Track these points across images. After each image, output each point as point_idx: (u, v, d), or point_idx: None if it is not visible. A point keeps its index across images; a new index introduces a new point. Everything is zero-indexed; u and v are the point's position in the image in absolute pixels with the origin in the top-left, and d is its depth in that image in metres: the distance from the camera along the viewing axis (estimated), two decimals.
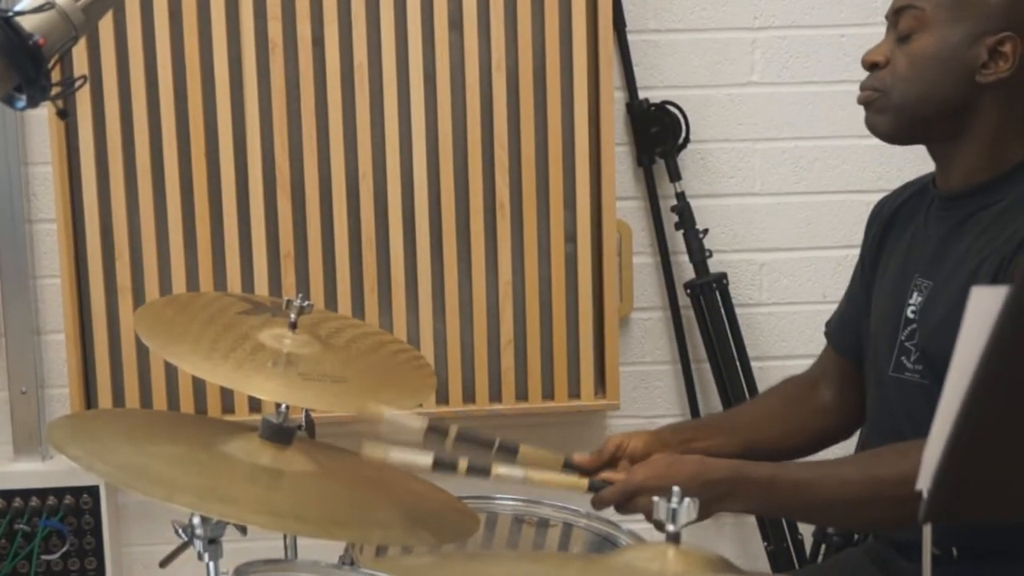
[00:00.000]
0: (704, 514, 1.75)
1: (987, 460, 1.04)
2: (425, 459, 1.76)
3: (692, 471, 1.78)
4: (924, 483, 1.06)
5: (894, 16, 1.83)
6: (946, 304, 1.76)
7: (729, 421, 2.27)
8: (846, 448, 2.99)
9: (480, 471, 1.80)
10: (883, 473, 1.72)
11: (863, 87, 1.85)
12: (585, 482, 1.83)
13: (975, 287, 1.02)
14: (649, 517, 1.75)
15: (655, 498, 1.15)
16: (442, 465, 1.77)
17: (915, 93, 1.79)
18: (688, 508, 1.13)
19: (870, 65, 1.85)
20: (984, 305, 0.96)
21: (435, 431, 1.87)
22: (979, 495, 1.08)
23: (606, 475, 1.83)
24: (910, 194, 1.98)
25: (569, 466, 1.96)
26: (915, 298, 1.84)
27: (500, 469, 1.80)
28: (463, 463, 1.78)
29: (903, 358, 1.84)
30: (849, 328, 2.07)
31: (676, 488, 1.16)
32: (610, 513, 2.09)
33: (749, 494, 1.76)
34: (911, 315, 1.83)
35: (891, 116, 1.82)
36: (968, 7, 1.76)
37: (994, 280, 1.69)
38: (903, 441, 1.76)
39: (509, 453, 1.91)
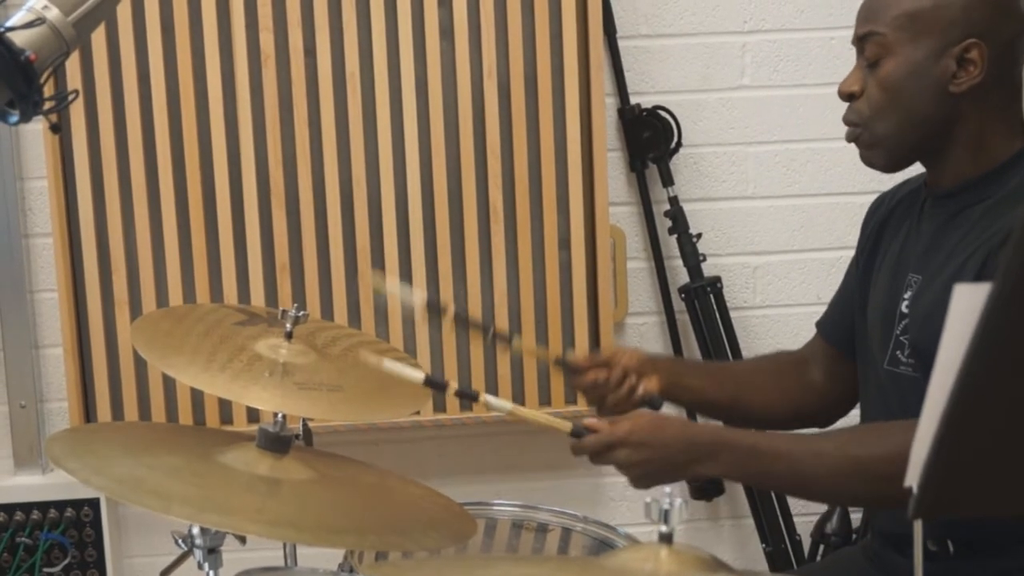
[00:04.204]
0: (683, 475, 1.78)
1: (974, 456, 1.05)
2: (417, 374, 1.76)
3: (676, 431, 1.80)
4: (913, 479, 1.07)
5: (859, 43, 1.85)
6: (934, 298, 1.78)
7: (720, 370, 2.33)
8: None
9: (468, 396, 1.81)
10: (862, 451, 1.74)
11: (845, 122, 1.88)
12: (569, 425, 1.82)
13: (958, 284, 1.03)
14: (622, 471, 1.77)
15: (647, 499, 1.16)
16: (433, 383, 1.78)
17: (895, 120, 1.81)
18: (680, 509, 1.14)
19: (847, 96, 1.87)
20: (967, 302, 0.97)
21: (433, 308, 1.89)
22: (968, 491, 1.09)
23: (589, 423, 1.81)
24: (906, 192, 2.00)
25: (562, 363, 2.05)
26: (908, 293, 1.85)
27: (489, 398, 1.80)
28: (453, 384, 1.79)
29: (898, 352, 1.86)
30: (841, 319, 2.09)
31: (668, 489, 1.17)
32: (608, 517, 2.10)
33: (729, 459, 1.77)
34: (905, 310, 1.85)
35: (882, 150, 1.84)
36: (926, 23, 1.77)
37: (979, 274, 1.71)
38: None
39: (505, 340, 1.95)
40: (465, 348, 2.87)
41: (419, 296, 1.85)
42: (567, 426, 1.82)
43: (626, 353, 2.05)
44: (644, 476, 1.78)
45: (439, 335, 2.86)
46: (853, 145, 1.89)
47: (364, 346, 1.93)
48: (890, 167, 1.87)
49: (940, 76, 1.77)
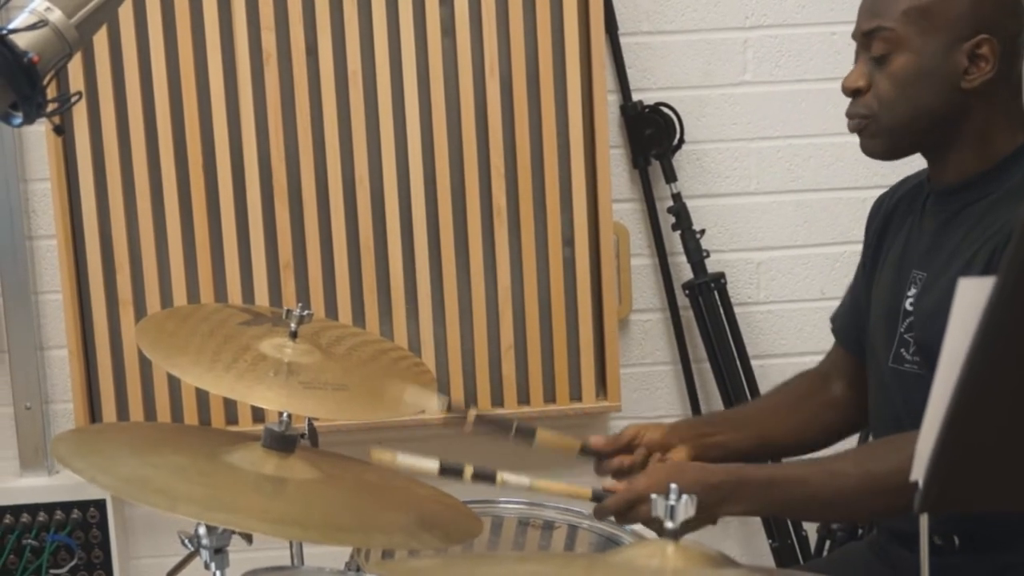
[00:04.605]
0: (708, 518, 1.77)
1: (979, 451, 1.05)
2: (431, 464, 1.77)
3: (693, 477, 1.80)
4: (918, 473, 1.07)
5: (864, 39, 1.84)
6: (939, 295, 1.77)
7: (741, 415, 2.29)
8: (848, 442, 3.00)
9: (486, 477, 1.81)
10: (877, 467, 1.73)
11: (850, 115, 1.86)
12: (589, 491, 1.84)
13: (962, 279, 1.03)
14: (650, 525, 1.77)
15: (653, 496, 1.16)
16: (448, 471, 1.79)
17: (905, 113, 1.80)
18: (686, 505, 1.14)
19: (852, 92, 1.85)
20: (972, 297, 0.97)
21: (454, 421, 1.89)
22: (973, 485, 1.09)
23: (608, 484, 1.84)
24: (907, 189, 2.00)
25: (585, 450, 2.01)
26: (912, 291, 1.85)
27: (506, 475, 1.81)
28: (469, 469, 1.80)
29: (902, 350, 1.86)
30: (854, 323, 2.08)
31: (673, 485, 1.17)
32: None
33: (750, 495, 1.78)
34: (909, 307, 1.85)
35: (885, 138, 1.84)
36: (937, 18, 1.76)
37: (986, 270, 1.71)
38: (900, 432, 1.78)
39: (527, 436, 1.94)
40: (469, 347, 2.87)
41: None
42: (587, 493, 1.83)
43: (648, 429, 2.02)
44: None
45: (443, 334, 2.86)
46: (856, 139, 1.89)
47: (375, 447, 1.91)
48: (889, 156, 1.87)
49: (952, 72, 1.76)
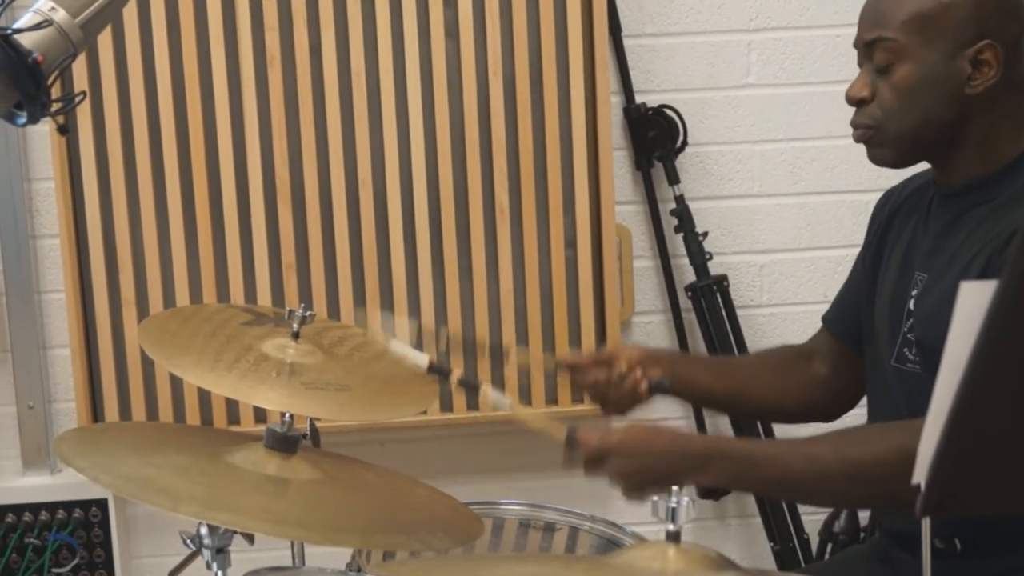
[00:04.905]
0: (674, 484, 1.77)
1: (981, 454, 1.05)
2: (422, 359, 1.77)
3: (668, 441, 1.80)
4: (920, 477, 1.07)
5: (866, 48, 1.83)
6: (939, 297, 1.77)
7: (723, 364, 2.34)
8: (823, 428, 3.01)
9: (470, 387, 1.82)
10: (856, 453, 1.73)
11: (855, 126, 1.86)
12: (563, 431, 1.82)
13: (963, 282, 1.03)
14: (613, 481, 1.77)
15: (654, 497, 1.16)
16: (437, 369, 1.79)
17: (910, 122, 1.80)
18: (687, 507, 1.14)
19: (856, 102, 1.85)
20: (973, 300, 0.97)
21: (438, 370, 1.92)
22: (975, 489, 1.09)
23: (582, 435, 1.82)
24: (915, 187, 2.00)
25: (564, 365, 2.08)
26: (915, 291, 1.85)
27: (490, 391, 1.81)
28: (456, 372, 1.80)
29: (905, 350, 1.86)
30: (847, 313, 2.09)
31: (675, 487, 1.17)
32: (615, 516, 2.10)
33: (722, 467, 1.77)
34: (911, 307, 1.85)
35: (892, 148, 1.83)
36: (938, 26, 1.76)
37: (983, 274, 1.71)
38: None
39: (505, 354, 1.98)
40: (472, 348, 2.86)
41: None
42: (562, 432, 1.82)
43: (628, 349, 2.07)
44: (635, 486, 1.77)
45: (445, 335, 2.86)
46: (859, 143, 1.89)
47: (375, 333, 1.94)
48: (899, 164, 1.87)
49: (956, 79, 1.76)
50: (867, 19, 1.84)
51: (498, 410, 1.82)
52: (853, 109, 1.88)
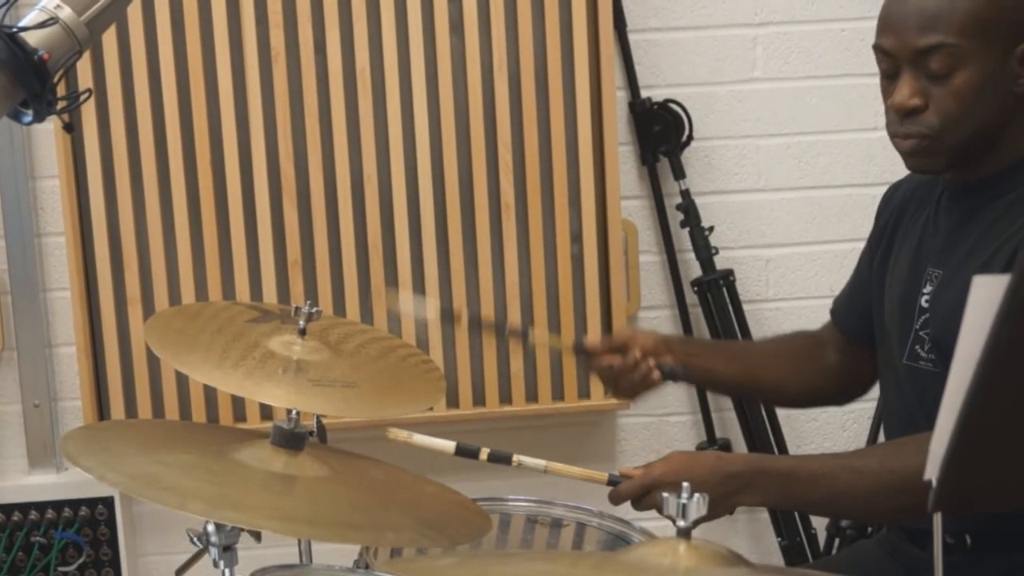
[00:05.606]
0: (723, 509, 1.76)
1: (993, 450, 1.04)
2: (447, 445, 1.77)
3: (710, 466, 1.79)
4: (932, 473, 1.06)
5: (917, 56, 1.73)
6: (956, 294, 1.75)
7: (735, 348, 2.35)
8: (857, 435, 3.01)
9: (502, 459, 1.81)
10: (901, 465, 1.72)
11: (905, 135, 1.77)
12: (605, 476, 1.85)
13: (976, 276, 1.03)
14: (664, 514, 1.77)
15: (664, 494, 1.16)
16: (464, 451, 1.79)
17: (969, 128, 1.74)
18: (698, 503, 1.14)
19: (909, 112, 1.75)
20: (986, 294, 0.97)
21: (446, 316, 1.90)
22: (987, 485, 1.08)
23: (624, 470, 1.84)
24: (921, 181, 1.97)
25: (578, 349, 2.11)
26: (928, 288, 1.84)
27: (522, 458, 1.81)
28: (485, 451, 1.80)
29: (917, 347, 1.85)
30: (855, 309, 2.08)
31: (686, 484, 1.16)
32: (623, 511, 2.10)
33: (767, 486, 1.77)
34: (925, 304, 1.84)
35: (945, 156, 1.77)
36: (993, 26, 1.70)
37: (1006, 268, 1.69)
38: (914, 429, 1.77)
39: (520, 336, 1.97)
40: (478, 346, 2.86)
41: (432, 307, 1.87)
42: (603, 477, 1.85)
43: (640, 335, 2.07)
44: None
45: (451, 333, 2.85)
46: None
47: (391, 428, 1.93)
48: (944, 172, 1.82)
49: (1007, 79, 1.72)
50: (912, 24, 1.73)
51: (534, 470, 1.84)
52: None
